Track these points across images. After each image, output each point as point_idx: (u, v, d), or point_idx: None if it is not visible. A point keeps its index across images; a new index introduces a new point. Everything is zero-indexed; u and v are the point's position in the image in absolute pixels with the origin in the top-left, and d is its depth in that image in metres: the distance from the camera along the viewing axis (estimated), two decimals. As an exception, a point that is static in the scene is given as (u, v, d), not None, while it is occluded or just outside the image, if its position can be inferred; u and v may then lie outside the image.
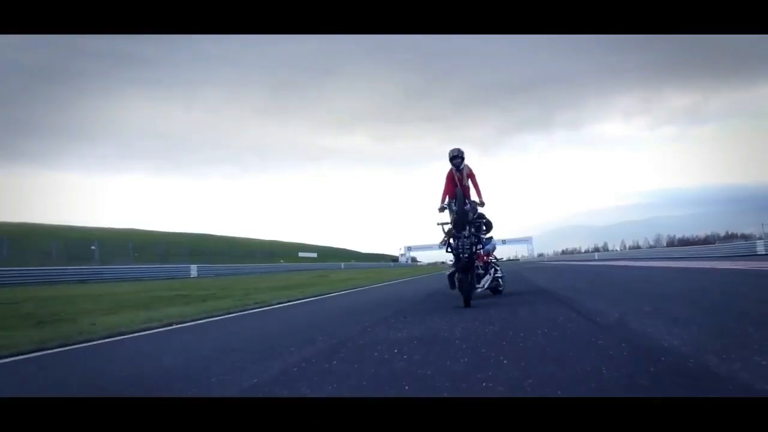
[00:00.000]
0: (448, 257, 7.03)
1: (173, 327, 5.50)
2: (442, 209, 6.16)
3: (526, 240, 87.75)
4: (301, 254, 73.06)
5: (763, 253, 24.29)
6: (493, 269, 6.92)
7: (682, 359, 2.25)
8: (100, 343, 4.44)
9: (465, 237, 5.78)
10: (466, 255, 5.68)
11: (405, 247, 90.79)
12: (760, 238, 31.20)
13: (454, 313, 4.94)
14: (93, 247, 29.60)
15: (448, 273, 7.10)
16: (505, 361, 2.44)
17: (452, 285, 6.65)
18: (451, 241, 6.70)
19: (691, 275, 9.53)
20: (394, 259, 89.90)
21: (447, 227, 6.25)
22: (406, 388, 2.07)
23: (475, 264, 6.23)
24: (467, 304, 5.45)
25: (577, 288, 7.67)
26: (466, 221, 5.88)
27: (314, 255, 75.97)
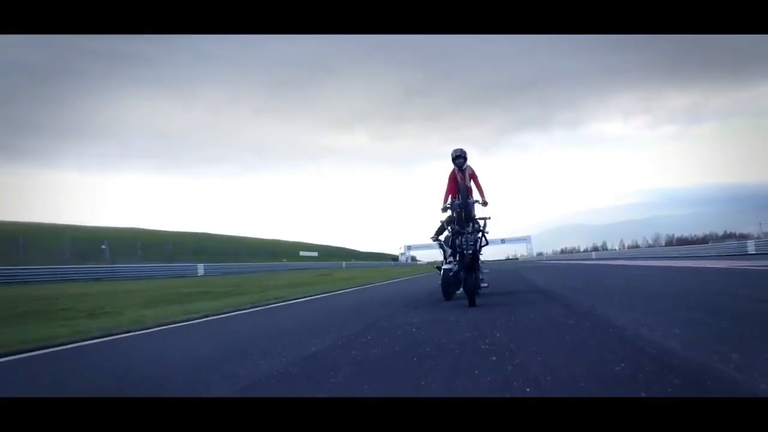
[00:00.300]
0: (444, 256, 6.98)
1: (214, 317, 6.29)
2: (445, 209, 6.20)
3: (525, 239, 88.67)
4: (302, 253, 73.74)
5: (753, 252, 25.16)
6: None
7: (623, 330, 3.15)
8: (163, 329, 5.25)
9: (469, 233, 5.65)
10: (470, 252, 5.55)
11: (405, 246, 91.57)
12: (758, 238, 32.07)
13: (457, 306, 5.78)
14: (103, 247, 30.46)
15: (441, 277, 6.74)
16: (498, 334, 3.33)
17: (447, 293, 6.53)
18: (441, 237, 7.05)
19: (667, 273, 10.42)
20: (394, 258, 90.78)
21: (448, 223, 6.47)
22: (427, 349, 2.95)
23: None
24: (472, 304, 5.32)
25: (562, 284, 8.57)
26: (470, 217, 5.77)
27: (315, 254, 76.72)
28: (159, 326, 5.49)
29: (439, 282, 6.83)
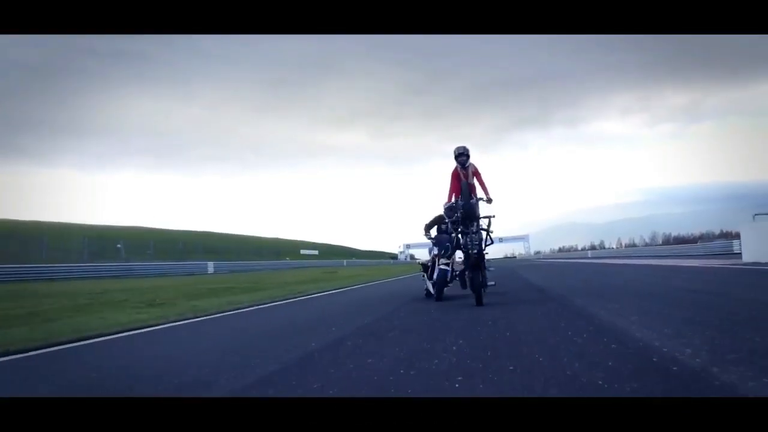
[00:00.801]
0: (437, 253, 6.86)
1: (259, 307, 7.47)
2: (450, 207, 6.16)
3: (523, 238, 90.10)
4: (302, 251, 74.83)
5: (738, 252, 26.39)
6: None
7: (581, 308, 4.52)
8: (227, 315, 6.48)
9: (474, 232, 5.68)
10: (475, 251, 5.60)
11: (404, 244, 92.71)
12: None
13: (460, 298, 6.93)
14: (119, 246, 31.76)
15: (437, 277, 6.72)
16: (494, 312, 4.70)
17: (440, 292, 6.60)
18: (432, 233, 7.28)
19: (642, 270, 11.82)
20: (393, 256, 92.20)
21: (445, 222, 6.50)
22: (444, 321, 4.31)
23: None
24: (479, 303, 5.35)
25: (546, 278, 9.96)
26: (475, 216, 5.80)
27: (315, 252, 77.90)
28: (219, 313, 6.64)
29: (432, 281, 6.90)
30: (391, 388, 2.12)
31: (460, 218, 5.76)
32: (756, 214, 14.37)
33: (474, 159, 6.22)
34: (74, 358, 3.67)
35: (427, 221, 7.35)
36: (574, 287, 7.73)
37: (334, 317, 5.45)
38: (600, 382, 1.93)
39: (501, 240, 78.13)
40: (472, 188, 6.01)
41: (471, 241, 5.61)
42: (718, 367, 2.01)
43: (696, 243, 48.32)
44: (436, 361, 2.59)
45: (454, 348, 2.91)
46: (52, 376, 3.01)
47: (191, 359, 3.32)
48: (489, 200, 6.00)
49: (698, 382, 1.87)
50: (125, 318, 6.25)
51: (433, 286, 6.82)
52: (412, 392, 2.05)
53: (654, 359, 2.28)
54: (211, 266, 33.59)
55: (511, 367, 2.32)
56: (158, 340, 4.50)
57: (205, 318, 6.10)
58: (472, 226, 5.68)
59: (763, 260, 12.41)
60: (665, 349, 2.45)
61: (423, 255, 7.97)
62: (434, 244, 7.08)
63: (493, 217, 5.96)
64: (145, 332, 4.90)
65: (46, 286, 16.19)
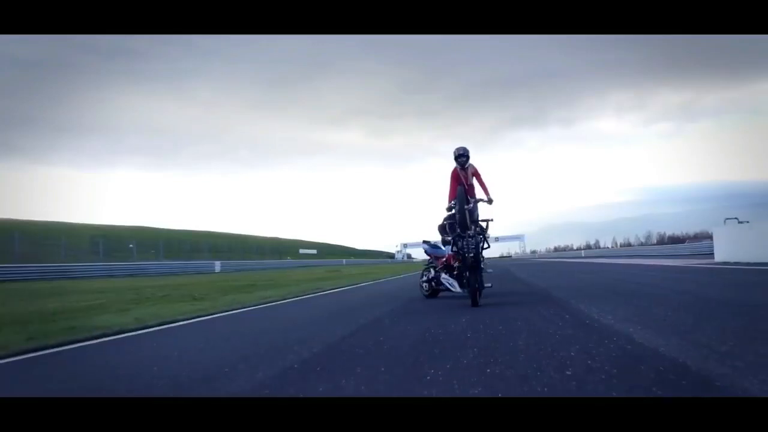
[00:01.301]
0: (437, 254, 7.34)
1: (290, 300, 8.57)
2: (450, 209, 6.18)
3: (519, 237, 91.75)
4: (301, 251, 75.84)
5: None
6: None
7: (557, 297, 5.88)
8: (268, 306, 7.73)
9: (470, 236, 5.82)
10: (472, 254, 5.77)
11: (401, 244, 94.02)
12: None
13: (458, 298, 7.31)
14: (131, 246, 32.94)
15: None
16: (489, 299, 6.06)
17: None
18: (428, 243, 7.72)
19: (622, 268, 13.22)
20: (391, 255, 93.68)
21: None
22: (452, 308, 5.65)
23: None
24: (475, 304, 5.53)
25: (533, 274, 11.35)
26: (473, 219, 5.92)
27: (314, 252, 79.03)
28: (260, 305, 7.67)
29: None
30: (429, 338, 3.48)
31: (459, 221, 5.89)
32: (726, 218, 15.76)
33: (472, 159, 6.29)
34: (206, 330, 4.92)
35: (440, 222, 7.36)
36: (553, 282, 9.10)
37: (362, 306, 6.74)
38: (551, 331, 3.31)
39: (497, 239, 79.74)
40: (471, 190, 6.15)
41: (467, 244, 5.79)
42: (620, 324, 3.42)
43: (684, 243, 50.04)
44: (453, 326, 3.97)
45: (463, 320, 4.30)
46: (205, 339, 4.31)
47: (285, 332, 4.53)
48: (490, 201, 6.07)
49: (606, 331, 3.26)
50: (184, 308, 7.25)
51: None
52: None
53: (587, 322, 3.68)
54: (218, 266, 34.74)
55: (500, 327, 3.71)
56: (241, 321, 5.71)
57: (253, 308, 7.24)
58: (469, 229, 5.85)
59: (732, 260, 13.80)
60: (596, 317, 3.85)
61: (421, 254, 8.59)
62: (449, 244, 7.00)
63: (491, 220, 6.06)
64: (218, 318, 6.15)
65: (74, 284, 17.08)
